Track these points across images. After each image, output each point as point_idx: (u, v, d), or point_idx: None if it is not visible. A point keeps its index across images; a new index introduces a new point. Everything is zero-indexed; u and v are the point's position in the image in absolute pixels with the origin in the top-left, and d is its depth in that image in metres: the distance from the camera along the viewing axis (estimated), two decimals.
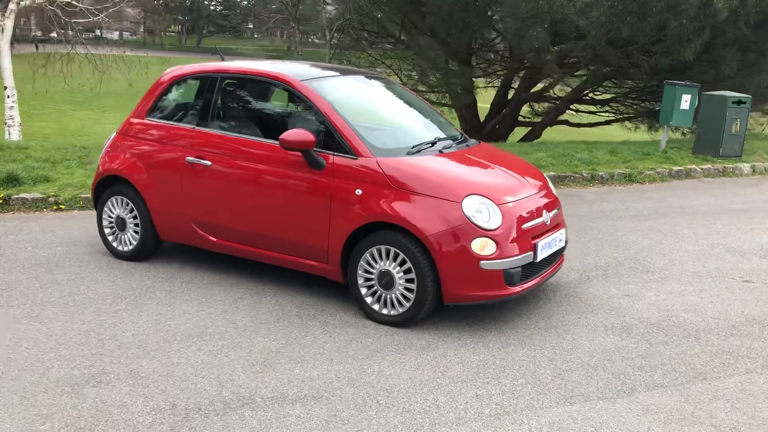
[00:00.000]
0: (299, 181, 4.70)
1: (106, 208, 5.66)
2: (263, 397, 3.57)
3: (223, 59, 5.96)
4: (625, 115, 17.25)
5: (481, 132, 16.68)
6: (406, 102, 5.59)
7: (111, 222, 5.64)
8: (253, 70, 5.24)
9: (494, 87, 17.38)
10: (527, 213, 4.57)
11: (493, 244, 4.27)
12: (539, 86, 16.48)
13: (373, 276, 4.50)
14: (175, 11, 68.50)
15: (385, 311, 4.51)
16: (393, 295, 4.45)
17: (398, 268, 4.40)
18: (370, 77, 5.75)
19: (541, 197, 4.81)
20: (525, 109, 17.73)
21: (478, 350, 4.20)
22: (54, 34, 16.83)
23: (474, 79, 16.68)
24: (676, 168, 10.35)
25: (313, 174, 4.65)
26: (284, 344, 4.19)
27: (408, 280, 4.38)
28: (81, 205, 7.18)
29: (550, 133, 17.36)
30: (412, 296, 4.37)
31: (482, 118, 17.00)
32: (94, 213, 5.93)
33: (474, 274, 4.26)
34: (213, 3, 72.78)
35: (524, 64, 15.17)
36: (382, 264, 4.45)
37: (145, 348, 4.07)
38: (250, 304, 4.80)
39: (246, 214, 4.98)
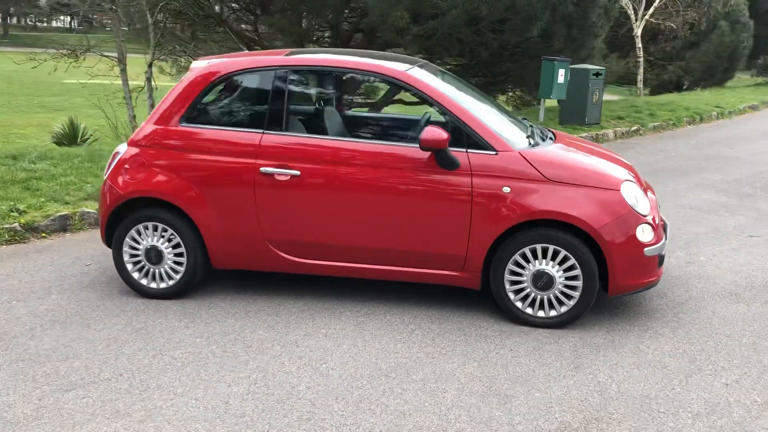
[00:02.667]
0: (428, 184, 4.19)
1: (128, 239, 4.57)
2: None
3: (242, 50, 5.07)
4: None
5: None
6: (472, 91, 5.23)
7: (137, 255, 4.57)
8: (335, 62, 4.54)
9: None
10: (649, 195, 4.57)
11: (650, 229, 4.20)
12: None
13: (524, 278, 4.19)
14: None
15: (541, 313, 4.23)
16: (551, 296, 4.18)
17: (557, 266, 4.14)
18: (422, 66, 5.29)
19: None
20: None
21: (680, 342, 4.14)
22: None
23: None
24: None
25: (446, 175, 4.17)
26: (480, 366, 3.74)
27: (569, 278, 4.14)
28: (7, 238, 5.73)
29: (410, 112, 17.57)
30: (576, 294, 4.14)
31: None
32: (49, 242, 4.76)
33: (640, 261, 4.17)
34: None
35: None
36: (536, 264, 4.15)
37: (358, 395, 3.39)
38: (387, 329, 4.21)
39: (352, 227, 4.33)
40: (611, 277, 4.12)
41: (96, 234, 6.08)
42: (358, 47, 16.32)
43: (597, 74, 12.07)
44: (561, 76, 11.36)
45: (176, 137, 4.50)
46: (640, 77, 21.76)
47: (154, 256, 4.56)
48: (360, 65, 4.49)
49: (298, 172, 4.30)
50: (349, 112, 4.90)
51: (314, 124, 4.60)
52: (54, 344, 3.95)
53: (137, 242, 4.57)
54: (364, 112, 5.02)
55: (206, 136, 4.47)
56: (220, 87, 4.61)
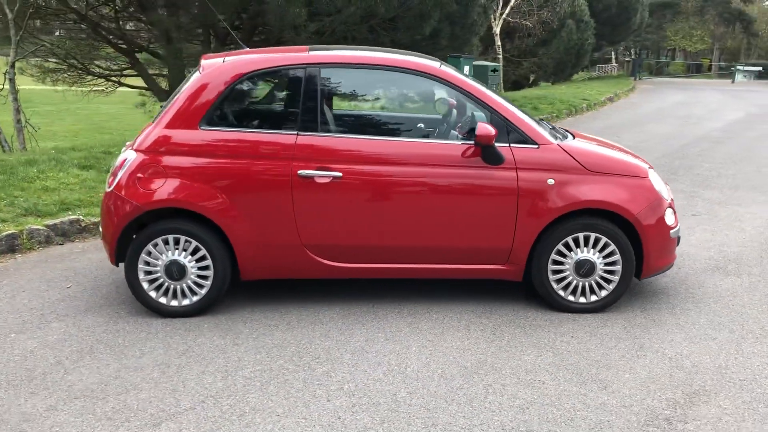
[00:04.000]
0: (474, 180, 4.21)
1: (144, 255, 4.18)
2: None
3: (243, 47, 4.79)
4: None
5: None
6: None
7: (155, 272, 4.20)
8: (366, 59, 4.40)
9: None
10: None
11: (672, 212, 4.50)
12: None
13: (566, 267, 4.33)
14: None
15: (582, 299, 4.40)
16: (592, 282, 4.36)
17: (597, 253, 4.32)
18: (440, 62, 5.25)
19: None
20: None
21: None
22: None
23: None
24: None
25: (492, 170, 4.21)
26: (556, 355, 3.83)
27: (608, 263, 4.34)
28: None
29: None
30: (615, 278, 4.35)
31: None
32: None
33: (667, 244, 4.45)
34: None
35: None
36: (578, 252, 4.31)
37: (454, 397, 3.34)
38: (442, 327, 4.18)
39: (396, 227, 4.25)
40: (645, 261, 4.37)
41: (53, 252, 5.51)
42: (258, 45, 15.81)
43: (494, 70, 12.63)
44: (467, 71, 11.73)
45: (198, 141, 4.17)
46: (500, 73, 22.96)
47: (176, 271, 4.20)
48: (393, 61, 4.40)
49: (339, 174, 4.15)
50: (383, 110, 4.78)
51: (348, 122, 4.44)
52: (100, 377, 3.54)
53: (154, 257, 4.19)
54: (398, 110, 4.89)
55: (234, 139, 4.18)
56: (243, 87, 4.32)
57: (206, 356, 3.77)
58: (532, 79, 27.73)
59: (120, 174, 4.21)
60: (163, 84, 14.92)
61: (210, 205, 4.12)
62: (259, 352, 3.83)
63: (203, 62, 4.39)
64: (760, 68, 41.13)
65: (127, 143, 4.96)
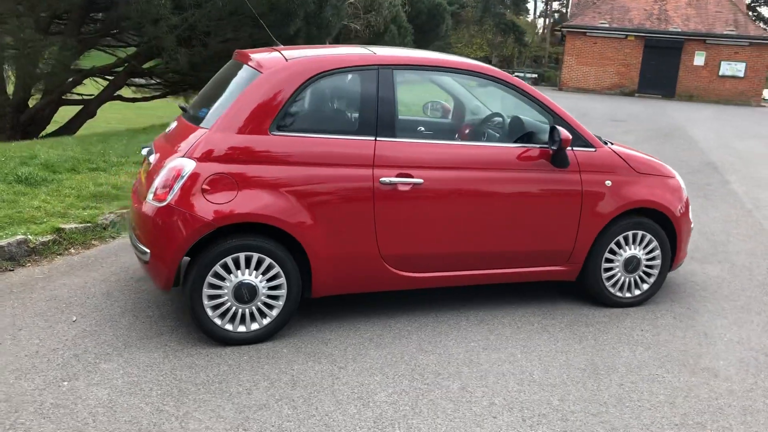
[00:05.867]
0: (546, 183, 4.26)
1: (210, 278, 3.70)
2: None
3: (275, 45, 4.39)
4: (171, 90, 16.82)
5: (21, 116, 13.71)
6: None
7: (222, 295, 3.74)
8: (437, 61, 4.24)
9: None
10: None
11: (686, 206, 4.89)
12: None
13: (615, 264, 4.55)
14: None
15: (628, 294, 4.65)
16: (636, 277, 4.62)
17: (642, 249, 4.60)
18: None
19: None
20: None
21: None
22: None
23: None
24: None
25: (561, 173, 4.29)
26: (648, 349, 4.01)
27: (648, 259, 4.63)
28: None
29: (107, 111, 15.78)
30: (655, 272, 4.65)
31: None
32: None
33: (689, 237, 4.85)
34: None
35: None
36: (627, 249, 4.55)
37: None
38: (520, 331, 4.18)
39: (473, 233, 4.16)
40: (677, 254, 4.72)
41: (11, 281, 4.62)
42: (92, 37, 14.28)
43: None
44: None
45: (270, 148, 3.76)
46: None
47: (247, 293, 3.76)
48: (460, 64, 4.30)
49: (421, 180, 3.97)
50: (450, 114, 4.60)
51: (418, 126, 4.24)
52: (227, 422, 3.07)
53: (221, 279, 3.71)
54: (466, 113, 4.74)
55: (310, 145, 3.82)
56: (315, 88, 3.94)
57: (322, 384, 3.42)
58: None
59: (177, 186, 3.65)
60: None
61: (289, 218, 3.74)
62: (373, 373, 3.56)
63: (259, 59, 3.96)
64: (536, 75, 45.56)
65: (146, 148, 4.33)
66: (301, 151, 3.79)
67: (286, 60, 3.91)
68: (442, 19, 30.87)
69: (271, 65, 3.88)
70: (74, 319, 4.06)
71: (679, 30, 36.25)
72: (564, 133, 4.10)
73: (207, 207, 3.62)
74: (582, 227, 4.37)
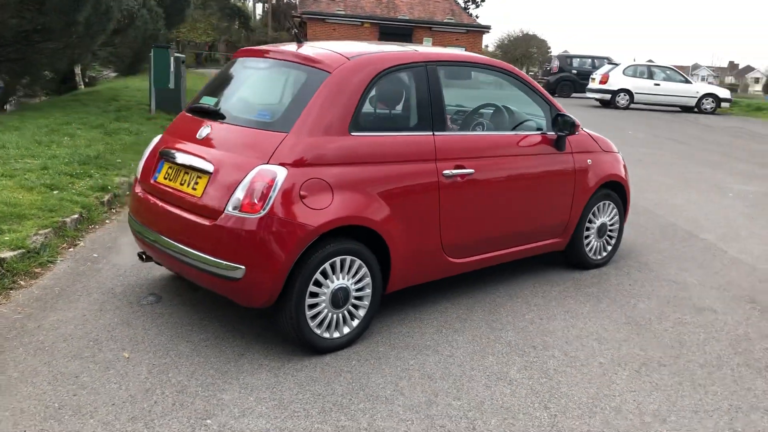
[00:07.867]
0: (558, 164, 4.77)
1: (312, 286, 3.62)
2: None
3: (300, 41, 4.24)
4: None
5: None
6: None
7: (320, 303, 3.67)
8: (470, 58, 4.48)
9: None
10: None
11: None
12: None
13: (591, 231, 5.25)
14: None
15: (599, 257, 5.37)
16: (603, 242, 5.37)
17: (607, 217, 5.35)
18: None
19: None
20: None
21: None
22: None
23: None
24: None
25: (563, 155, 4.82)
26: (677, 324, 4.75)
27: (612, 224, 5.40)
28: None
29: None
30: (615, 234, 5.44)
31: None
32: None
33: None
34: None
35: None
36: (600, 218, 5.27)
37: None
38: (551, 314, 4.65)
39: (505, 216, 4.52)
40: (625, 216, 5.55)
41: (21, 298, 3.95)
42: None
43: (183, 61, 12.03)
44: (172, 64, 10.98)
45: (352, 149, 3.71)
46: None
47: (342, 298, 3.72)
48: (488, 61, 4.64)
49: (472, 171, 4.21)
50: (489, 102, 4.80)
51: (458, 119, 4.42)
52: (428, 396, 3.10)
53: (319, 286, 3.63)
54: (490, 104, 4.93)
55: (383, 143, 3.84)
56: (379, 86, 3.92)
57: (463, 368, 3.54)
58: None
59: (274, 195, 3.43)
60: None
61: (378, 218, 3.75)
62: (485, 355, 3.76)
63: (328, 59, 3.82)
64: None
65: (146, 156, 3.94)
66: (377, 150, 3.79)
67: (348, 58, 3.85)
68: (188, 3, 29.69)
69: (337, 64, 3.79)
70: (126, 356, 3.61)
71: (408, 18, 39.39)
72: (576, 120, 4.63)
73: (309, 214, 3.47)
74: (575, 200, 4.96)
